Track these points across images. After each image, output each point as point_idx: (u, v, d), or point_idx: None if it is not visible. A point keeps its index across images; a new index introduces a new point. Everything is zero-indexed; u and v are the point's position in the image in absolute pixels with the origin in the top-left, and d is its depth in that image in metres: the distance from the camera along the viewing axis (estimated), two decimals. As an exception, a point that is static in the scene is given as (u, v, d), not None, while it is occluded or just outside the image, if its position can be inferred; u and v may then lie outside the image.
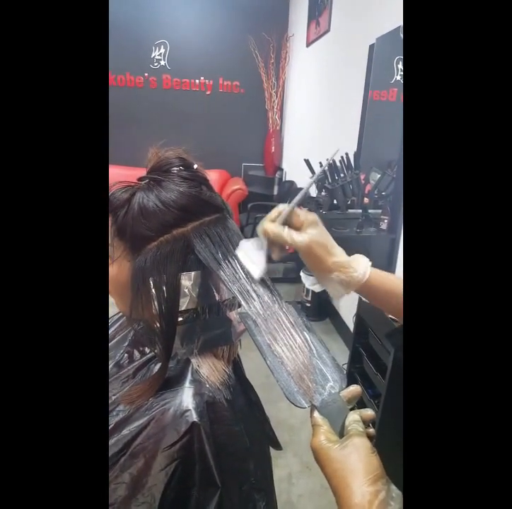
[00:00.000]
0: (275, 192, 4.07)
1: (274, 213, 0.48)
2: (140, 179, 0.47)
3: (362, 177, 1.94)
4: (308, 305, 2.58)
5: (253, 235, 2.86)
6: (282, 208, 0.47)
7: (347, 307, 2.32)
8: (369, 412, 0.39)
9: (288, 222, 0.47)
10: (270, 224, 0.47)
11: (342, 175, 1.88)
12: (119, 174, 4.21)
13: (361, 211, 1.89)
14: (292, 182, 3.66)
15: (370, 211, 1.85)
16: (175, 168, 0.46)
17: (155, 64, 4.09)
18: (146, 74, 4.11)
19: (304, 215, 0.47)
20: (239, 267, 0.47)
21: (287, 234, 0.46)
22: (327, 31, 2.67)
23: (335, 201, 1.95)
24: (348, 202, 1.94)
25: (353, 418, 0.38)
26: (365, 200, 1.94)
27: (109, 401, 0.51)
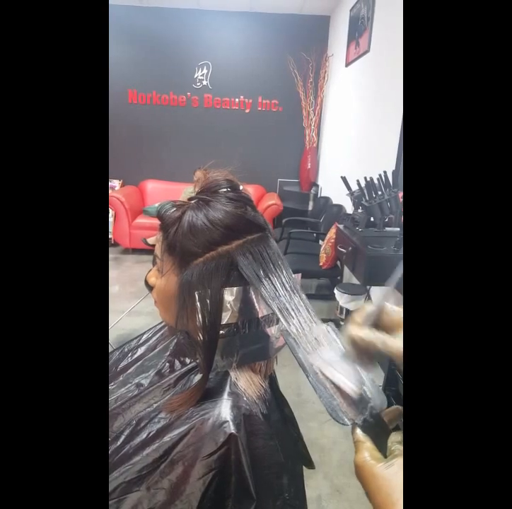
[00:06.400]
0: (310, 208, 4.07)
1: (358, 315, 0.40)
2: (190, 199, 0.50)
3: (400, 195, 1.91)
4: (342, 323, 2.53)
5: (287, 250, 2.83)
6: (368, 308, 0.40)
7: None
8: None
9: (377, 323, 0.40)
10: (357, 329, 0.39)
11: (380, 193, 1.87)
12: (161, 189, 4.41)
13: (398, 229, 1.86)
14: (327, 198, 3.65)
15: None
16: (223, 189, 0.49)
17: (198, 84, 4.28)
18: (189, 93, 4.30)
19: (396, 313, 0.39)
20: (278, 285, 0.48)
21: (381, 341, 0.37)
22: (367, 51, 2.69)
23: (372, 219, 1.93)
24: (386, 220, 1.91)
25: (396, 438, 0.37)
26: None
27: (151, 409, 0.53)
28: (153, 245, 0.53)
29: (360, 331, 0.39)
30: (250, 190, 4.15)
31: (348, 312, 2.46)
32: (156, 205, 4.11)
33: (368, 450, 0.36)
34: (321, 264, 2.83)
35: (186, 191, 4.01)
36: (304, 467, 0.65)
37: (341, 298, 2.46)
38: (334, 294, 2.53)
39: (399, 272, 0.39)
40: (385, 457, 0.36)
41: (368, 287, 2.50)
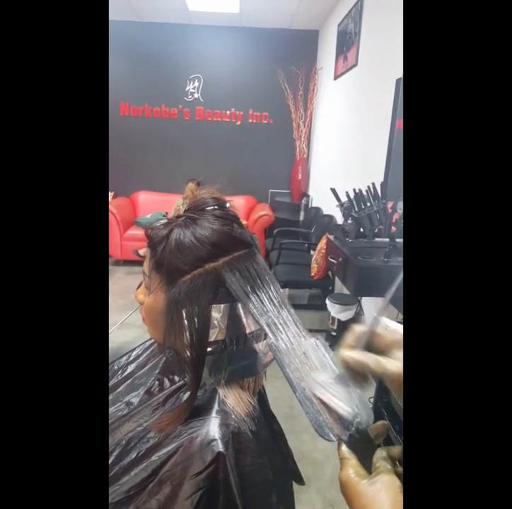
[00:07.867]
0: (301, 218, 4.10)
1: (350, 337, 0.40)
2: (177, 217, 0.50)
3: (389, 205, 1.94)
4: (334, 334, 2.53)
5: (278, 260, 2.83)
6: (358, 330, 0.40)
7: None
8: (397, 449, 0.39)
9: (369, 345, 0.39)
10: (349, 351, 0.38)
11: (369, 204, 1.89)
12: (153, 200, 4.40)
13: (388, 239, 1.88)
14: (318, 209, 3.68)
15: (397, 240, 1.84)
16: (210, 207, 0.50)
17: (189, 97, 4.32)
18: (180, 106, 4.34)
19: (389, 334, 0.39)
20: (266, 300, 0.49)
21: (374, 361, 0.37)
22: (355, 65, 2.75)
23: (362, 230, 1.95)
24: (375, 231, 1.94)
25: (381, 454, 0.37)
26: (393, 229, 1.93)
27: (141, 428, 0.53)
28: (144, 256, 0.53)
29: (352, 352, 0.38)
30: (242, 201, 4.17)
31: (340, 322, 2.46)
32: (148, 216, 4.10)
33: (352, 467, 0.36)
34: (312, 274, 2.84)
35: (178, 202, 4.01)
36: (294, 483, 0.65)
37: (333, 308, 2.46)
38: (326, 304, 2.53)
39: (393, 286, 0.38)
40: (370, 473, 0.36)
41: (359, 297, 2.52)
